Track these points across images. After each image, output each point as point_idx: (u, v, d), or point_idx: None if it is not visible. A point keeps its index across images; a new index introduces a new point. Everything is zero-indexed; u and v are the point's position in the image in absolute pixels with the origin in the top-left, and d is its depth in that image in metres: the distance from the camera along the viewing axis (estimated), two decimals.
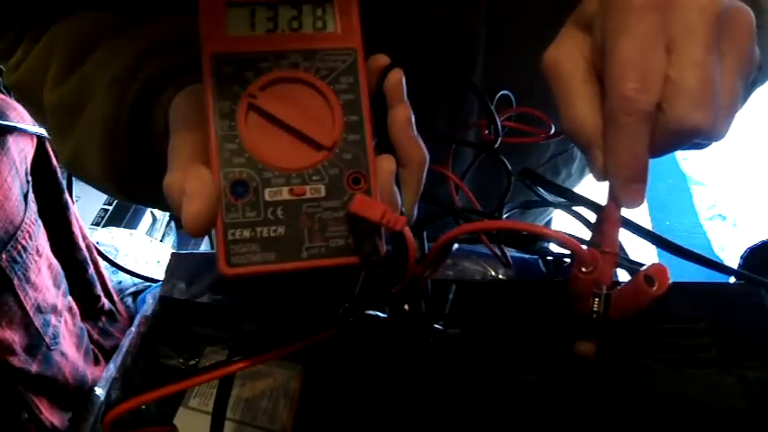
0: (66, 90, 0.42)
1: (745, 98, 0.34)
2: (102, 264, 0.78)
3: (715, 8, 0.29)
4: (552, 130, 0.49)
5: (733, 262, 0.52)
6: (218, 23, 0.31)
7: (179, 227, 1.36)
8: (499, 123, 0.45)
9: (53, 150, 0.46)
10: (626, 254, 0.47)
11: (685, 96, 0.29)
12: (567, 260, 0.52)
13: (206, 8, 0.31)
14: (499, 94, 0.48)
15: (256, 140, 0.30)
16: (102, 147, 0.39)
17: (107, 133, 0.38)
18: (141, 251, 1.00)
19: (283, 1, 0.31)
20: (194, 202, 0.28)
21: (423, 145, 0.33)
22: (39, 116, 0.46)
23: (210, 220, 0.29)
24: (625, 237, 0.41)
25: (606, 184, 0.33)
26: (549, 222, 0.88)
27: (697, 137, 0.30)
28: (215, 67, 0.30)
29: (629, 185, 0.32)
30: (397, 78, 0.32)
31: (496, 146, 0.46)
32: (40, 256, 0.59)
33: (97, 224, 1.17)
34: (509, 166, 0.49)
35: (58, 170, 0.67)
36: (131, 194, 0.42)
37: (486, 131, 0.48)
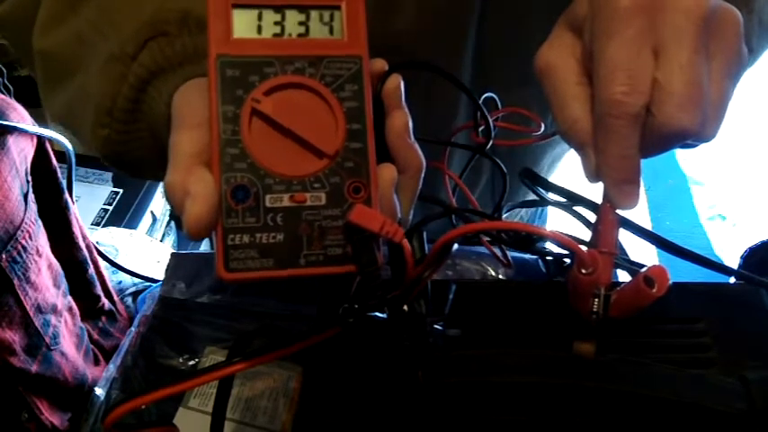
0: (58, 43, 0.41)
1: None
2: (102, 264, 0.78)
3: (701, 10, 0.30)
4: (542, 129, 0.49)
5: (733, 262, 0.52)
6: (225, 25, 0.30)
7: (179, 227, 1.36)
8: (491, 123, 0.45)
9: (42, 101, 0.45)
10: (626, 254, 0.47)
11: (673, 99, 0.29)
12: (567, 260, 0.52)
13: (214, 9, 0.31)
14: (485, 96, 0.48)
15: (259, 146, 0.30)
16: (95, 123, 0.38)
17: (102, 111, 0.38)
18: (141, 251, 1.00)
19: (291, 5, 0.31)
20: (197, 204, 0.28)
21: (420, 151, 0.33)
22: (25, 58, 0.45)
23: (212, 224, 0.29)
24: (625, 237, 0.41)
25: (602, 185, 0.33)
26: (543, 220, 0.88)
27: (686, 138, 0.30)
28: (220, 70, 0.30)
29: (621, 187, 0.32)
30: (395, 84, 0.32)
31: (488, 147, 0.47)
32: (40, 256, 0.59)
33: (97, 224, 1.17)
34: (503, 168, 0.49)
35: (58, 170, 0.67)
36: (123, 166, 0.42)
37: (476, 133, 0.48)
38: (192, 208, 0.28)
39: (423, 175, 0.33)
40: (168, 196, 0.30)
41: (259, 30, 0.31)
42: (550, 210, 0.86)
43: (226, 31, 0.30)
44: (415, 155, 0.32)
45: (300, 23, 0.31)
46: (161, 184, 1.27)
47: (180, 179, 0.29)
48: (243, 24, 0.31)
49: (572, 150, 0.34)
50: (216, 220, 0.29)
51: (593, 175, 0.32)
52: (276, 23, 0.31)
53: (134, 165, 0.41)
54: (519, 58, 0.43)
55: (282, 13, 0.31)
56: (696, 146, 0.34)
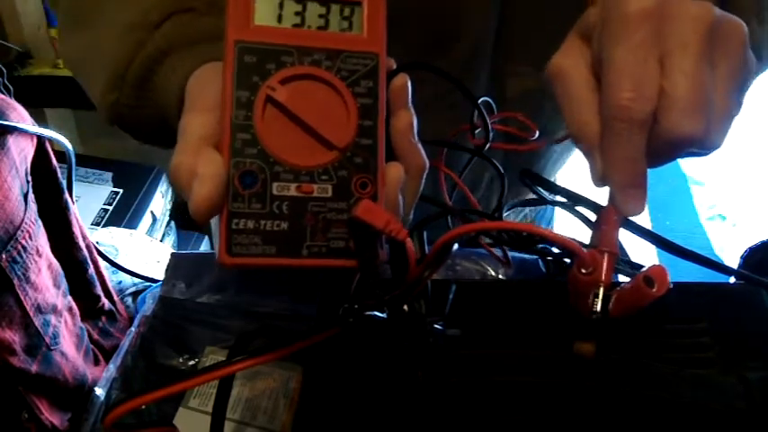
0: None
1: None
2: (102, 264, 0.78)
3: (707, 18, 0.30)
4: (536, 134, 0.50)
5: (733, 262, 0.52)
6: (245, 11, 0.30)
7: (179, 227, 1.36)
8: (489, 125, 0.45)
9: (58, 43, 0.49)
10: (626, 254, 0.47)
11: (678, 106, 0.30)
12: (567, 260, 0.52)
13: None
14: (481, 100, 0.48)
15: (270, 133, 0.30)
16: (106, 85, 0.40)
17: (114, 75, 0.39)
18: (141, 251, 1.00)
19: None
20: (206, 185, 0.28)
21: (423, 151, 0.33)
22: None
23: (219, 206, 0.29)
24: (625, 237, 0.41)
25: (604, 192, 0.34)
26: (548, 221, 0.88)
27: (691, 146, 0.31)
28: (237, 55, 0.30)
29: (626, 191, 0.32)
30: (402, 83, 0.33)
31: (486, 149, 0.47)
32: (40, 256, 0.59)
33: (97, 224, 1.17)
34: (501, 169, 0.49)
35: (58, 170, 0.67)
36: (125, 128, 0.43)
37: (471, 135, 0.48)
38: (201, 188, 0.28)
39: (425, 175, 0.33)
40: (174, 177, 0.30)
41: (279, 19, 0.31)
42: (557, 212, 0.86)
43: (246, 17, 0.31)
44: (419, 155, 0.33)
45: (320, 16, 0.31)
46: (161, 184, 1.28)
47: (189, 160, 0.29)
48: (264, 12, 0.31)
49: (575, 151, 0.34)
50: (222, 202, 0.29)
51: (600, 179, 0.33)
52: (297, 14, 0.31)
53: (136, 129, 0.43)
54: (538, 38, 0.44)
55: (304, 4, 0.31)
56: (704, 155, 0.34)
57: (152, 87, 0.39)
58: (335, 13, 0.32)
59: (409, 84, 0.33)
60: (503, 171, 0.50)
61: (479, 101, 0.47)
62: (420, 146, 0.33)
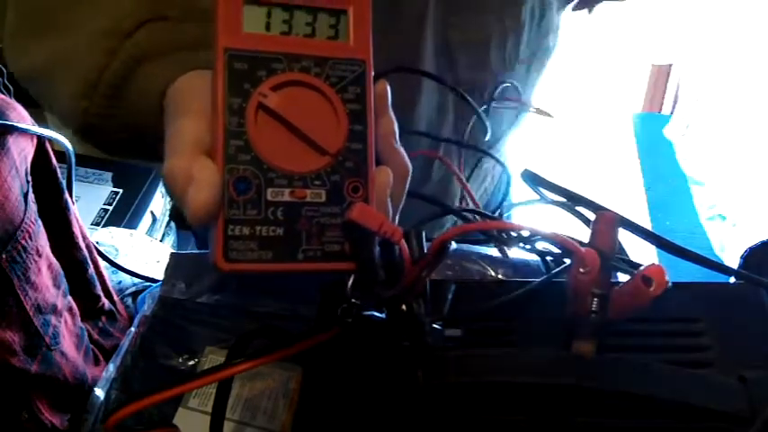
0: None
1: None
2: (102, 264, 0.78)
3: None
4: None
5: (733, 262, 0.52)
6: (234, 19, 0.31)
7: (179, 227, 1.36)
8: (487, 123, 0.46)
9: (7, 49, 0.44)
10: (626, 254, 0.47)
11: None
12: (567, 260, 0.52)
13: (225, 3, 0.31)
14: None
15: (263, 139, 0.30)
16: (77, 93, 0.39)
17: (86, 83, 0.38)
18: (141, 251, 1.00)
19: (300, 6, 0.32)
20: (203, 191, 0.28)
21: (406, 156, 0.33)
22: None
23: (216, 212, 0.29)
24: (625, 237, 0.41)
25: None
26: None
27: None
28: (228, 62, 0.30)
29: None
30: (382, 90, 0.33)
31: (487, 138, 0.47)
32: (40, 256, 0.58)
33: (97, 224, 1.17)
34: (508, 169, 0.49)
35: (58, 170, 0.67)
36: (93, 140, 0.42)
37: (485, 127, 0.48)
38: (199, 194, 0.28)
39: (409, 179, 0.34)
40: (169, 181, 0.30)
41: (267, 27, 0.31)
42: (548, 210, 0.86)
43: (236, 24, 0.31)
44: (402, 160, 0.33)
45: (307, 24, 0.32)
46: (161, 185, 1.27)
47: (184, 164, 0.29)
48: (252, 20, 0.31)
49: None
50: (219, 209, 0.29)
51: None
52: (284, 22, 0.32)
53: (103, 141, 0.42)
54: None
55: (291, 12, 0.32)
56: None
57: (125, 96, 0.38)
58: (322, 21, 0.32)
59: (389, 90, 0.33)
60: (509, 172, 0.50)
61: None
62: (403, 151, 0.33)
